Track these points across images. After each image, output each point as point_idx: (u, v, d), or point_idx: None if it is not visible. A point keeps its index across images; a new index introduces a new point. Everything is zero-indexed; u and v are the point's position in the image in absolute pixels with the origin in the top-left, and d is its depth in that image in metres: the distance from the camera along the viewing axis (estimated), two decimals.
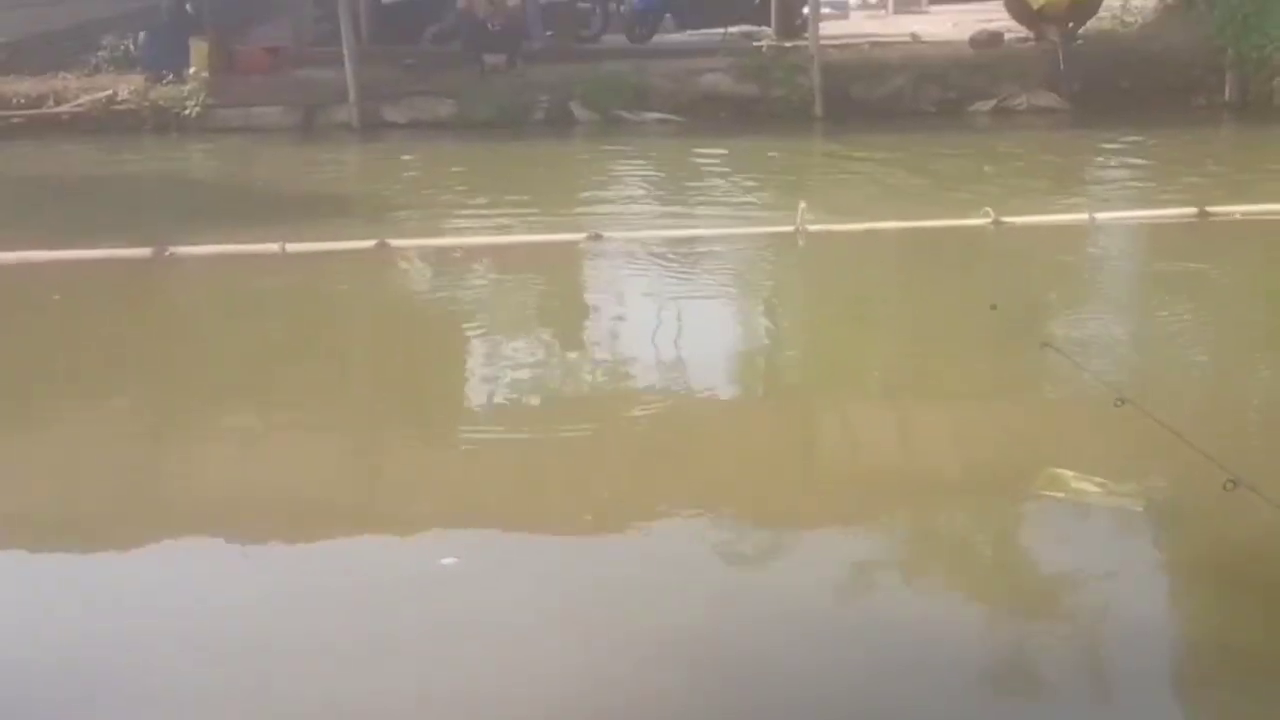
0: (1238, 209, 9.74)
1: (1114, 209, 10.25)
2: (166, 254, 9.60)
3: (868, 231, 9.86)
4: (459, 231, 10.39)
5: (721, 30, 17.54)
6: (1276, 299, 8.43)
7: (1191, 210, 9.73)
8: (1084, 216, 9.86)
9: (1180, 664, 4.12)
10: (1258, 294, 8.49)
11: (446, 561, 4.66)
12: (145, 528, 5.12)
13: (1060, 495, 5.16)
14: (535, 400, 6.72)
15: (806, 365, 7.66)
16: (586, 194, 12.11)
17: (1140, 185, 11.72)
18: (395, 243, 9.82)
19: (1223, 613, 4.33)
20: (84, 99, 15.79)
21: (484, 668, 3.95)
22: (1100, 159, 12.84)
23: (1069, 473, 5.30)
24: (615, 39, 18.29)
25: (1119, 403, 5.48)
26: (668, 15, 18.44)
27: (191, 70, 15.90)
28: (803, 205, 9.75)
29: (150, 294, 9.06)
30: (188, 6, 17.32)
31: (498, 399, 6.79)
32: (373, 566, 4.71)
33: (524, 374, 7.13)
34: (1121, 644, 4.18)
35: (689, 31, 18.33)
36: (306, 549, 4.91)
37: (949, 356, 7.18)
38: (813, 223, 9.71)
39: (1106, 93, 14.49)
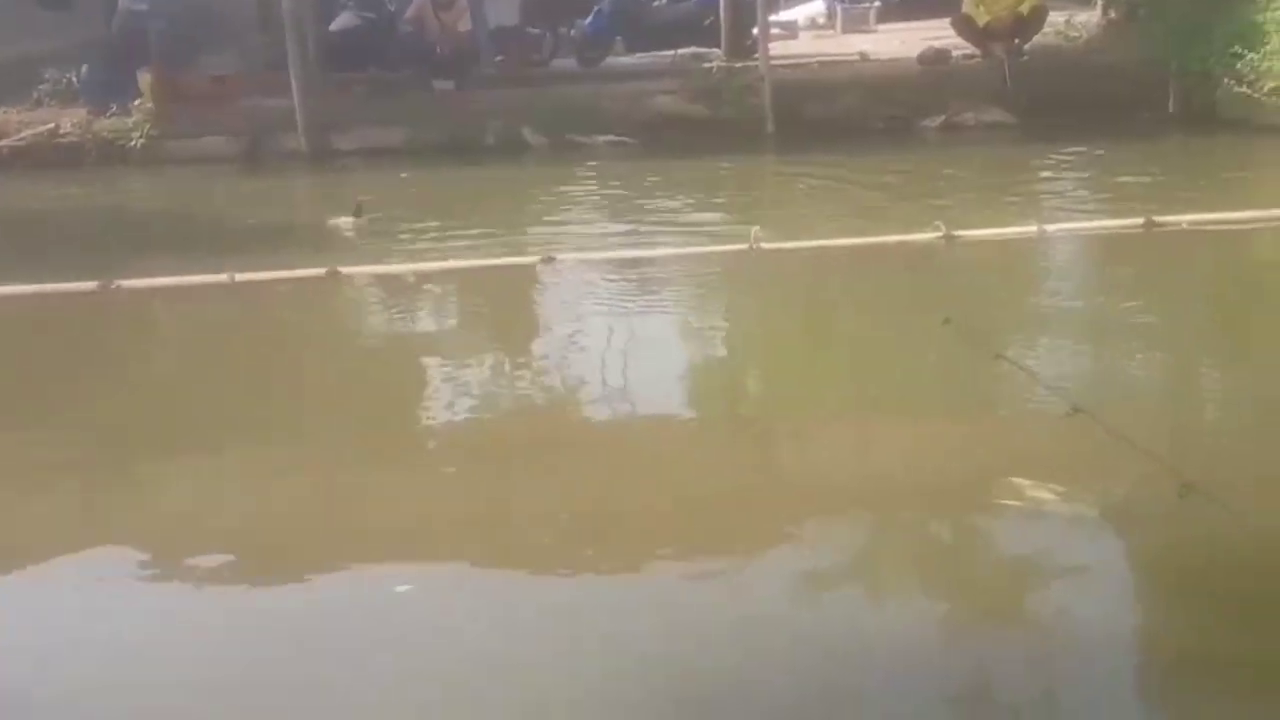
0: (1184, 219, 9.84)
1: (1063, 221, 10.31)
2: (113, 287, 9.47)
3: (820, 248, 9.89)
4: (411, 257, 10.31)
5: (671, 52, 17.59)
6: (1224, 306, 8.52)
7: (1139, 221, 9.82)
8: (1033, 229, 9.93)
9: (1135, 670, 4.10)
10: (1206, 301, 8.58)
11: (401, 589, 4.58)
12: (85, 561, 5.00)
13: (1017, 503, 5.16)
14: (491, 425, 6.65)
15: (763, 382, 7.66)
16: (540, 217, 12.07)
17: (1088, 197, 11.82)
18: (346, 270, 9.74)
19: (1178, 618, 4.33)
20: (25, 133, 15.58)
21: (439, 693, 3.87)
22: (1048, 172, 12.93)
23: (1026, 481, 5.30)
24: (565, 62, 18.29)
25: (1072, 412, 5.49)
26: (618, 38, 18.45)
27: (137, 102, 15.74)
28: (756, 229, 9.78)
29: (96, 328, 8.90)
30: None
31: (453, 424, 6.70)
32: (326, 596, 4.63)
33: (479, 399, 7.08)
34: (1078, 650, 4.16)
35: (639, 54, 18.36)
36: (255, 580, 4.81)
37: (904, 370, 7.20)
38: (766, 241, 9.73)
39: (1053, 107, 14.61)
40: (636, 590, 4.58)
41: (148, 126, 15.51)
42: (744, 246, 9.73)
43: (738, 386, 7.60)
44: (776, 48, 17.24)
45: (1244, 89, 13.42)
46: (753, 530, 5.17)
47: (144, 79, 15.83)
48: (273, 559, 4.96)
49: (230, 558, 4.95)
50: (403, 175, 14.07)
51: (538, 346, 8.25)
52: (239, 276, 9.51)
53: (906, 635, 4.28)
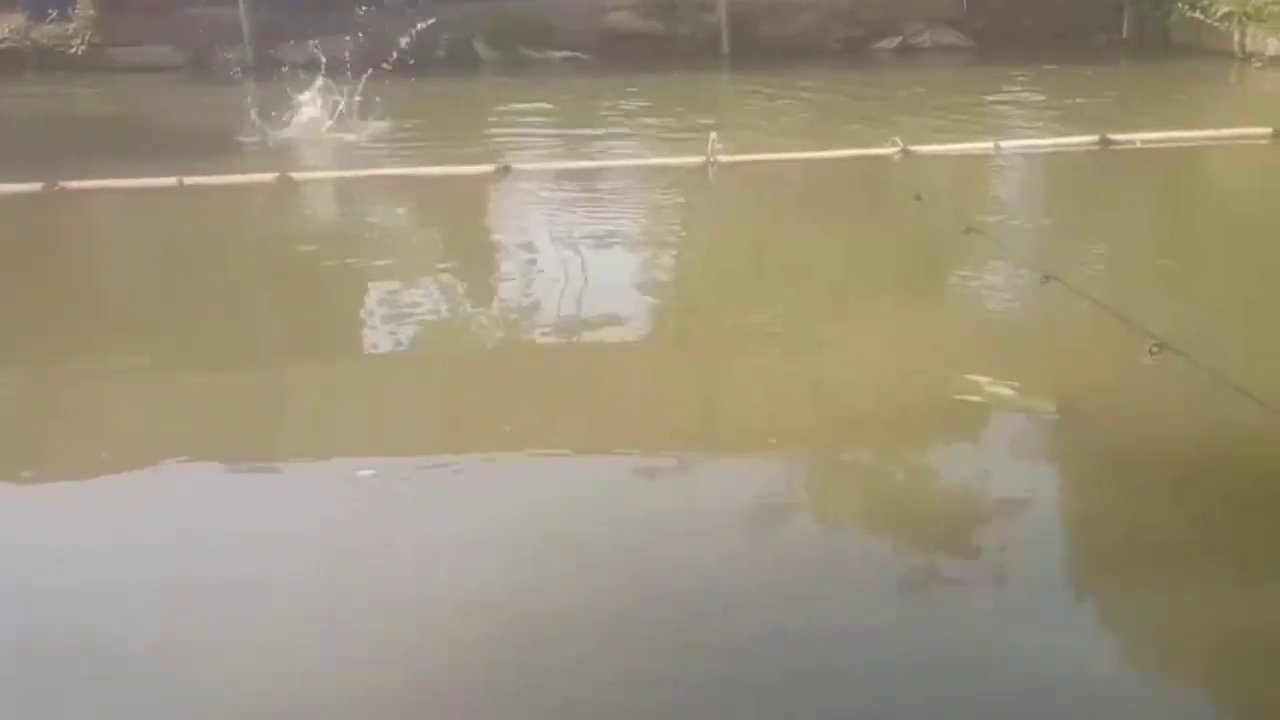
0: (1137, 137, 9.92)
1: (1019, 139, 10.35)
2: (57, 188, 9.27)
3: (778, 161, 9.87)
4: (364, 164, 10.17)
5: None
6: (1179, 206, 8.67)
7: (1093, 138, 9.89)
8: (989, 145, 9.97)
9: (1099, 552, 4.16)
10: (1160, 205, 8.72)
11: (364, 473, 4.54)
12: (47, 466, 4.91)
13: (976, 399, 5.20)
14: (443, 333, 6.52)
15: (725, 285, 7.61)
16: (494, 129, 11.94)
17: (1043, 117, 11.87)
18: (298, 175, 9.60)
19: (1149, 497, 4.39)
20: None
21: (401, 575, 3.85)
22: (1004, 93, 12.95)
23: (983, 378, 5.34)
24: None
25: (1045, 280, 5.59)
26: None
27: (77, 9, 15.34)
28: (713, 136, 9.74)
29: (41, 229, 8.70)
30: None
31: (405, 330, 6.57)
32: (288, 481, 4.59)
33: (432, 307, 6.93)
34: (1038, 538, 4.22)
35: None
36: (211, 473, 4.75)
37: (879, 253, 7.23)
38: (723, 154, 9.69)
39: (1009, 31, 14.67)
40: (593, 489, 4.52)
41: (89, 33, 15.17)
42: (701, 159, 9.70)
43: (701, 288, 7.54)
44: None
45: (1196, 14, 13.52)
46: (713, 425, 5.17)
47: None
48: (229, 455, 4.89)
49: (185, 456, 4.88)
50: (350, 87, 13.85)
51: (491, 255, 8.16)
52: (187, 180, 9.35)
53: (863, 527, 4.32)
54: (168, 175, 9.30)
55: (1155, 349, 4.41)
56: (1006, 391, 5.23)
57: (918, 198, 6.99)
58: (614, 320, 6.36)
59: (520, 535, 4.08)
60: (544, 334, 6.29)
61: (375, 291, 7.21)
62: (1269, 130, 9.86)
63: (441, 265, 7.81)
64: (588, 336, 6.24)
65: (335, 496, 4.41)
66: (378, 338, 6.47)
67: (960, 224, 6.66)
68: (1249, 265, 7.15)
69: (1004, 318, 6.13)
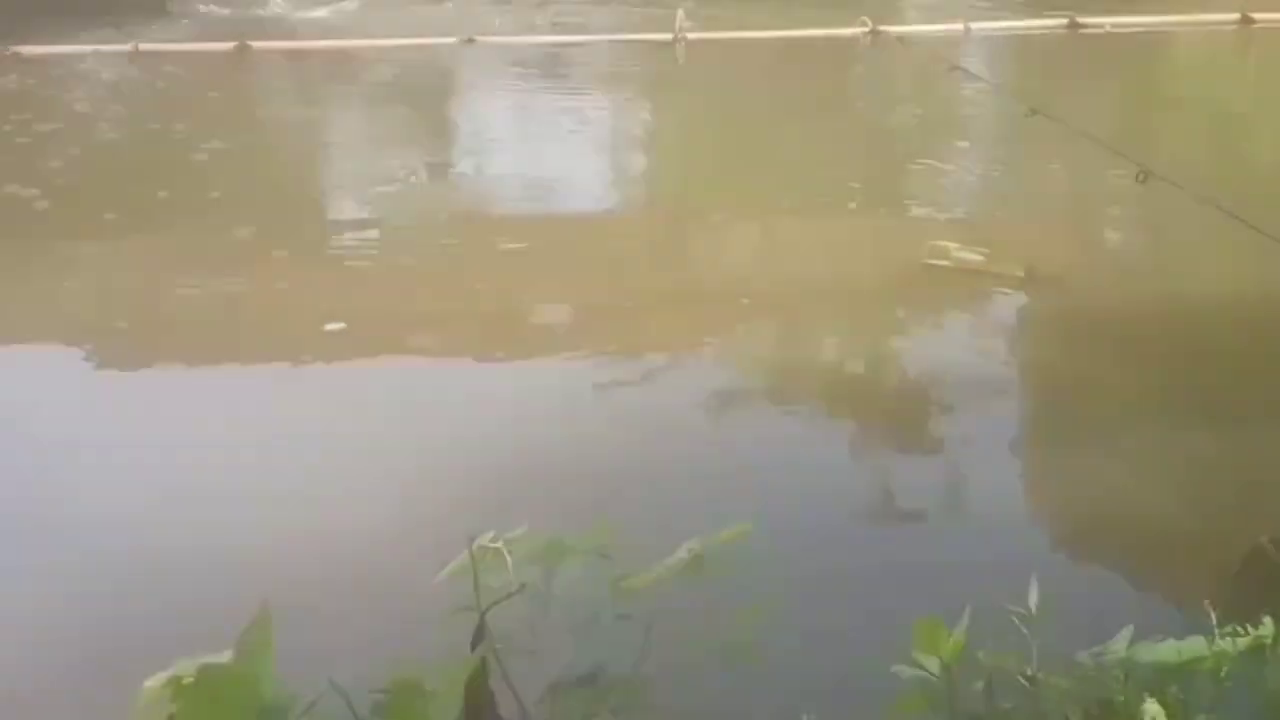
0: (1107, 20, 9.88)
1: (988, 20, 10.28)
2: (9, 53, 9.03)
3: (746, 40, 9.76)
4: (325, 33, 9.95)
5: None
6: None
7: (1062, 21, 9.85)
8: (959, 26, 9.89)
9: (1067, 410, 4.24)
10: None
11: (332, 326, 4.52)
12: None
13: (945, 263, 5.23)
14: (403, 208, 6.30)
15: (698, 165, 7.56)
16: (457, 3, 11.66)
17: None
18: (257, 44, 9.39)
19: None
20: None
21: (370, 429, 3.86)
22: None
23: (952, 244, 5.38)
24: None
25: (1030, 113, 5.65)
26: None
27: None
28: (680, 13, 9.60)
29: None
30: None
31: (367, 208, 6.36)
32: (262, 335, 4.56)
33: (392, 184, 6.69)
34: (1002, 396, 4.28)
35: None
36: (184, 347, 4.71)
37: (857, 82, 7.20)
38: (690, 31, 9.58)
39: None
40: (555, 372, 4.49)
41: None
42: (668, 36, 9.57)
43: (674, 168, 7.48)
44: None
45: None
46: (681, 304, 5.16)
47: None
48: (204, 329, 4.83)
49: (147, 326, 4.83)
50: None
51: (452, 131, 8.05)
52: (143, 46, 9.14)
53: (832, 395, 4.37)
54: (121, 43, 9.11)
55: (1142, 176, 4.48)
56: (974, 256, 5.29)
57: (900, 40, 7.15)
58: (560, 206, 6.30)
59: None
60: (518, 205, 6.23)
61: (332, 169, 7.10)
62: (1236, 15, 9.86)
63: (398, 141, 7.66)
64: (562, 208, 6.22)
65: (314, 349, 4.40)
66: (333, 217, 6.28)
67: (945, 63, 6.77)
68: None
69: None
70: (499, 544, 1.70)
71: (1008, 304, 4.93)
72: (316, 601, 2.74)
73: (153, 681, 1.57)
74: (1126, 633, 2.07)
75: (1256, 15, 9.80)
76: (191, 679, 1.45)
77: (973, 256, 5.26)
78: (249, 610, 1.43)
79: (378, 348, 4.44)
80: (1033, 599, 2.04)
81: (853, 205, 6.14)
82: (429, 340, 4.59)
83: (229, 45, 9.29)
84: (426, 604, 1.68)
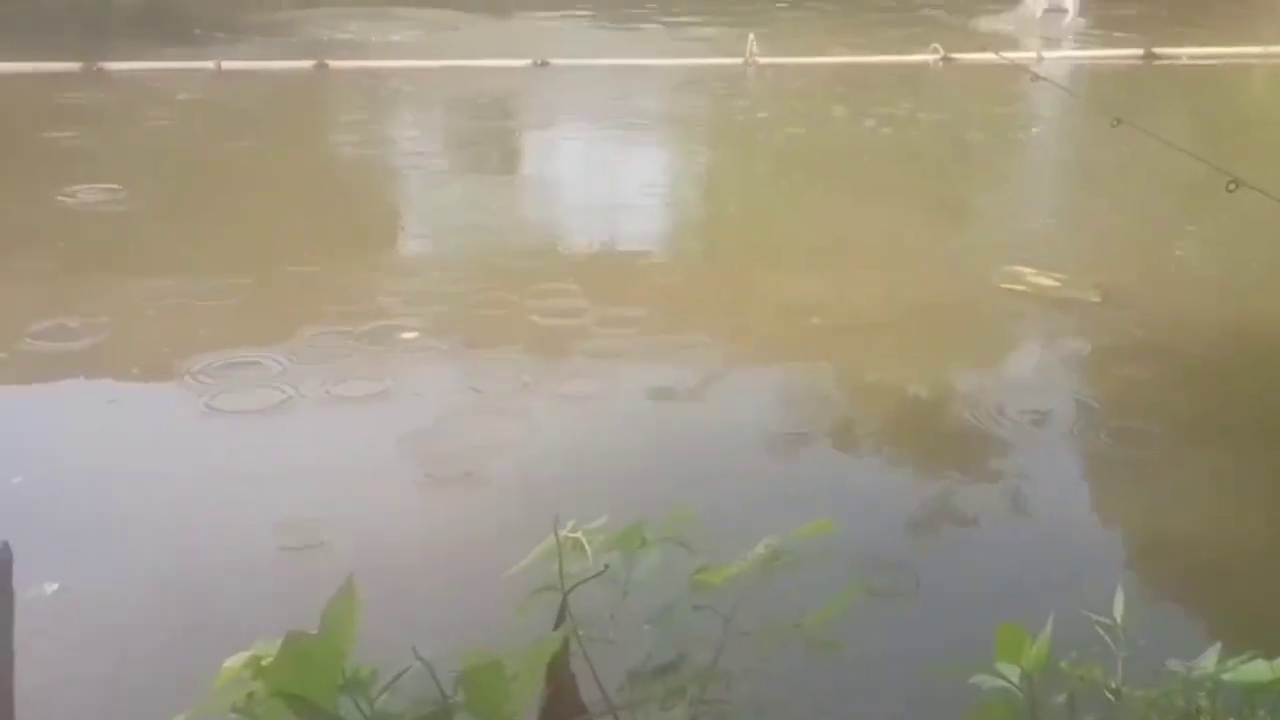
0: (1183, 51, 9.77)
1: (1062, 50, 10.20)
2: (95, 69, 9.24)
3: (817, 65, 9.76)
4: (401, 54, 10.08)
5: None
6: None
7: (1138, 52, 9.75)
8: (1033, 55, 9.82)
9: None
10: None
11: (408, 335, 4.58)
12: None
13: (1020, 289, 5.19)
14: (475, 229, 6.25)
15: (773, 176, 7.56)
16: (529, 24, 11.77)
17: (1085, 29, 11.65)
18: (335, 64, 9.54)
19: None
20: None
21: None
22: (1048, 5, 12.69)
23: (1028, 269, 5.33)
24: None
25: (1115, 122, 5.60)
26: None
27: None
28: (751, 37, 9.63)
29: (83, 106, 8.62)
30: None
31: (437, 225, 6.45)
32: (349, 335, 4.61)
33: (465, 204, 6.74)
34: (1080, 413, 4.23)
35: None
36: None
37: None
38: (761, 55, 9.59)
39: None
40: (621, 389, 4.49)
41: None
42: (739, 60, 9.60)
43: (758, 181, 7.47)
44: None
45: None
46: (778, 299, 5.16)
47: None
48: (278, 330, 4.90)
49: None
50: None
51: (527, 152, 8.10)
52: (225, 65, 9.31)
53: (909, 410, 4.34)
54: (205, 60, 9.30)
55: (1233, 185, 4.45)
56: (1050, 281, 5.22)
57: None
58: (631, 230, 6.30)
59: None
60: (579, 234, 6.22)
61: (406, 188, 7.17)
62: None
63: (474, 161, 7.75)
64: (621, 234, 6.21)
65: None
66: (404, 235, 6.34)
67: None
68: None
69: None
70: (578, 533, 1.70)
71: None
72: (400, 588, 2.77)
73: (233, 660, 1.58)
74: (1215, 650, 2.02)
75: None
76: (271, 659, 1.45)
77: (1049, 281, 5.21)
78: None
79: (452, 353, 4.49)
80: (1118, 609, 2.00)
81: (935, 224, 6.12)
82: (513, 348, 4.59)
83: (309, 64, 9.45)
84: (507, 591, 1.68)
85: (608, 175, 7.43)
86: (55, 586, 2.98)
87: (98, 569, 3.11)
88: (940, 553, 3.28)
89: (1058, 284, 5.20)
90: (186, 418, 3.99)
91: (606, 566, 1.55)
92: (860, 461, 3.91)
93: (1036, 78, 6.86)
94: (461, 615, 2.65)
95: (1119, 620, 1.98)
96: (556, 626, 1.56)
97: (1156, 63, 9.73)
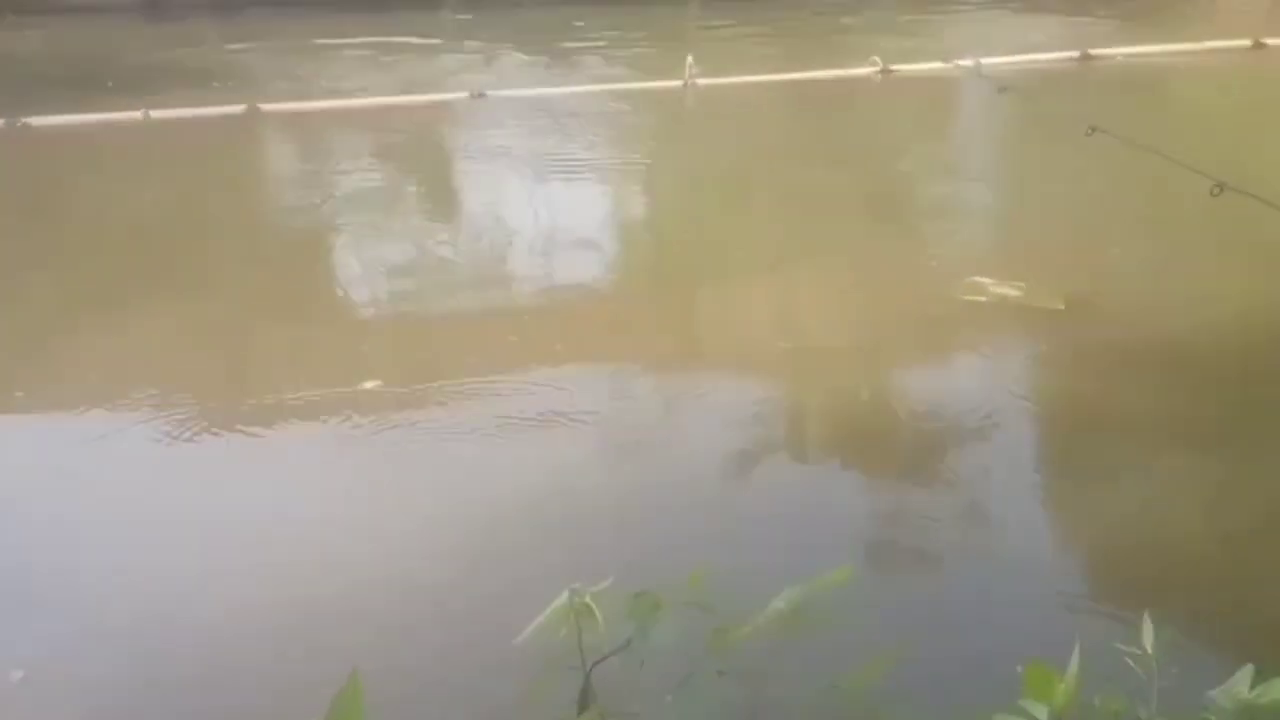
0: (1119, 51, 9.84)
1: (999, 55, 10.22)
2: (19, 125, 8.99)
3: (757, 83, 9.72)
4: (331, 95, 9.90)
5: None
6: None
7: (1074, 53, 9.80)
8: (970, 62, 9.83)
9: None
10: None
11: (368, 385, 4.43)
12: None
13: (982, 300, 5.13)
14: (416, 270, 6.15)
15: (724, 199, 7.47)
16: (463, 58, 11.65)
17: (1022, 33, 11.70)
18: (267, 107, 9.35)
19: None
20: None
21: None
22: (980, 13, 12.79)
23: (988, 280, 5.28)
24: None
25: (1090, 131, 5.60)
26: None
27: None
28: (690, 59, 9.57)
29: (7, 166, 8.41)
30: None
31: (380, 266, 6.22)
32: (302, 396, 4.46)
33: (404, 245, 6.55)
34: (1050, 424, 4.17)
35: None
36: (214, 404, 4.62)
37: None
38: (701, 76, 9.54)
39: None
40: (571, 427, 4.40)
41: None
42: (678, 83, 9.53)
43: (701, 203, 7.35)
44: None
45: None
46: (729, 333, 5.08)
47: None
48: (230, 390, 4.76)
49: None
50: (315, 22, 13.52)
51: (465, 189, 7.93)
52: (154, 113, 9.09)
53: (873, 423, 4.26)
54: (132, 110, 9.07)
55: (1217, 189, 4.43)
56: (1013, 291, 5.18)
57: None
58: (583, 262, 6.17)
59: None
60: (520, 266, 6.09)
61: (346, 230, 7.00)
62: (1248, 42, 9.82)
63: (411, 199, 7.61)
64: (564, 265, 6.09)
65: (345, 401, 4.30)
66: (342, 281, 6.13)
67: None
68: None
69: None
70: (587, 598, 1.58)
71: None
72: (403, 659, 2.64)
73: None
74: (1246, 672, 1.94)
75: (1268, 40, 9.77)
76: None
77: (1011, 291, 5.16)
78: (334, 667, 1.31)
79: (410, 404, 4.35)
80: (1147, 639, 1.92)
81: (890, 240, 6.06)
82: (467, 399, 4.48)
83: (239, 108, 9.26)
84: (513, 659, 1.56)
85: (550, 207, 7.29)
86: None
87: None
88: (940, 583, 3.19)
89: (1020, 293, 5.15)
90: (119, 476, 3.83)
91: (629, 641, 1.43)
92: (832, 482, 3.82)
93: (1004, 89, 6.88)
94: (461, 680, 2.52)
95: (1149, 649, 1.91)
96: (581, 706, 1.44)
97: (1093, 62, 9.78)
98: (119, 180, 8.02)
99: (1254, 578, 3.23)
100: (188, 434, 4.21)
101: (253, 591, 3.17)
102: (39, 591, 3.24)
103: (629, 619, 1.56)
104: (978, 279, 5.29)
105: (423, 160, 8.54)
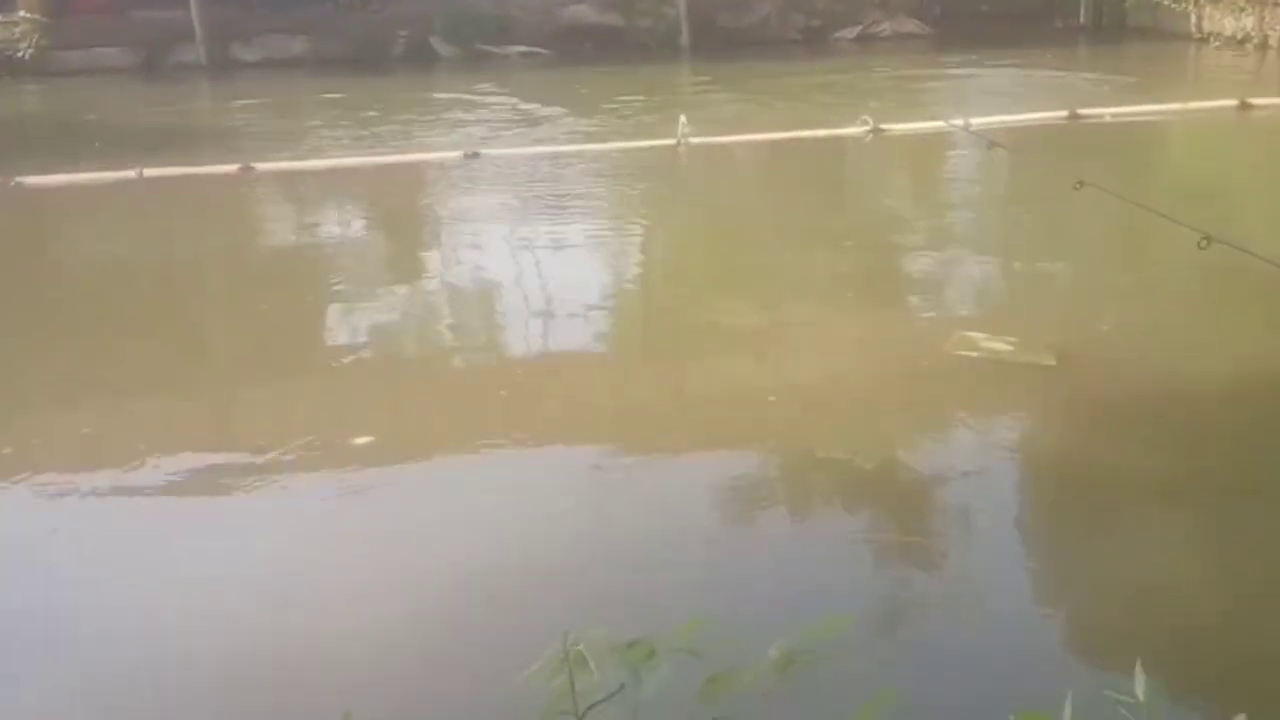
0: (1107, 110, 9.95)
1: (989, 115, 10.33)
2: (12, 184, 9.04)
3: (750, 142, 9.81)
4: (327, 155, 9.97)
5: None
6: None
7: (1062, 112, 9.91)
8: (960, 122, 9.93)
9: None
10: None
11: (360, 441, 4.41)
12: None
13: (974, 355, 5.13)
14: (411, 328, 6.15)
15: (715, 256, 7.50)
16: (458, 119, 11.75)
17: (1009, 96, 11.84)
18: (261, 166, 9.40)
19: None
20: None
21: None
22: (967, 76, 12.94)
23: (979, 334, 5.28)
24: None
25: (1078, 185, 5.62)
26: None
27: (21, 13, 15.05)
28: (683, 119, 9.66)
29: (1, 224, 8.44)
30: None
31: (371, 327, 6.17)
32: (295, 451, 4.43)
33: (400, 304, 6.52)
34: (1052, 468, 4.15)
35: None
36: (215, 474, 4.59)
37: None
38: (693, 135, 9.61)
39: (967, 18, 14.74)
40: (563, 490, 4.35)
41: (36, 37, 14.86)
42: (671, 141, 9.61)
43: (694, 261, 7.37)
44: None
45: None
46: (725, 386, 5.07)
47: None
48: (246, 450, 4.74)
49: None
50: (308, 84, 13.66)
51: (460, 244, 7.93)
52: (147, 172, 9.14)
53: (864, 482, 4.24)
54: (127, 169, 9.11)
55: (1204, 242, 4.45)
56: (1004, 346, 5.18)
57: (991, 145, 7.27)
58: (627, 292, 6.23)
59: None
60: (521, 325, 6.07)
61: (337, 289, 6.98)
62: (1234, 102, 9.93)
63: (404, 257, 7.61)
64: (567, 321, 6.08)
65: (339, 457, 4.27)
66: (333, 341, 6.05)
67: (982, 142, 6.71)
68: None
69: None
70: (580, 646, 1.56)
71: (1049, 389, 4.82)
72: (395, 711, 2.60)
73: None
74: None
75: (1254, 100, 9.89)
76: None
77: (1002, 346, 5.16)
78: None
79: (404, 458, 4.33)
80: (1139, 688, 1.90)
81: (881, 295, 6.08)
82: (461, 450, 4.46)
83: (233, 168, 9.31)
84: (507, 708, 1.53)
85: (541, 264, 7.29)
86: None
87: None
88: (934, 632, 3.16)
89: (1011, 348, 5.15)
90: (129, 542, 3.80)
91: (623, 686, 1.41)
92: (822, 535, 3.79)
93: (994, 145, 6.95)
94: None
95: (1141, 696, 1.89)
96: None
97: (1082, 122, 9.88)
98: (110, 238, 8.06)
99: (1246, 628, 3.20)
100: (177, 486, 4.18)
101: (241, 643, 3.13)
102: (24, 650, 3.19)
103: (622, 667, 1.54)
104: (968, 334, 5.29)
105: (415, 219, 8.57)
